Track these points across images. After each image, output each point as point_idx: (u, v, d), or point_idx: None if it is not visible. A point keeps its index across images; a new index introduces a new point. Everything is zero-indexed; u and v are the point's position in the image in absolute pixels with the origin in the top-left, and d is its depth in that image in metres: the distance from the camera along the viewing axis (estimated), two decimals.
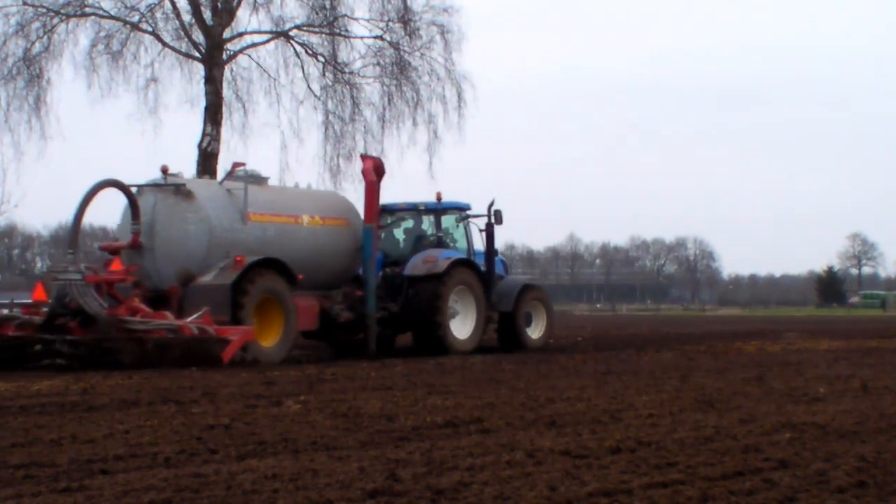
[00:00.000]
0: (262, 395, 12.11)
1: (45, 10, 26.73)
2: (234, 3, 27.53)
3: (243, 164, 19.79)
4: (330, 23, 28.23)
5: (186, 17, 27.49)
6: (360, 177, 21.06)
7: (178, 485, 6.70)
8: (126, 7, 27.33)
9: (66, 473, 7.13)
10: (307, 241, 19.78)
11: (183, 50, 27.95)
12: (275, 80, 28.49)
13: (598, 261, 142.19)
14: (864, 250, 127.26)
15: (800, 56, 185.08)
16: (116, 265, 17.87)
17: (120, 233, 19.04)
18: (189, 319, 16.69)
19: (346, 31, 28.46)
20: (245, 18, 28.13)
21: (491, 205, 21.96)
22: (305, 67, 28.44)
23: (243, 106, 28.66)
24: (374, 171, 20.67)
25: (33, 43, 26.69)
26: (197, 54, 27.66)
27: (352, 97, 28.51)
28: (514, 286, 22.93)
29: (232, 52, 28.04)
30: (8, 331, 16.98)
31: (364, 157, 21.49)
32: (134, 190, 18.43)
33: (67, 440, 8.57)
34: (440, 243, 22.10)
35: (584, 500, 6.40)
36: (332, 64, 28.29)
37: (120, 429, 9.21)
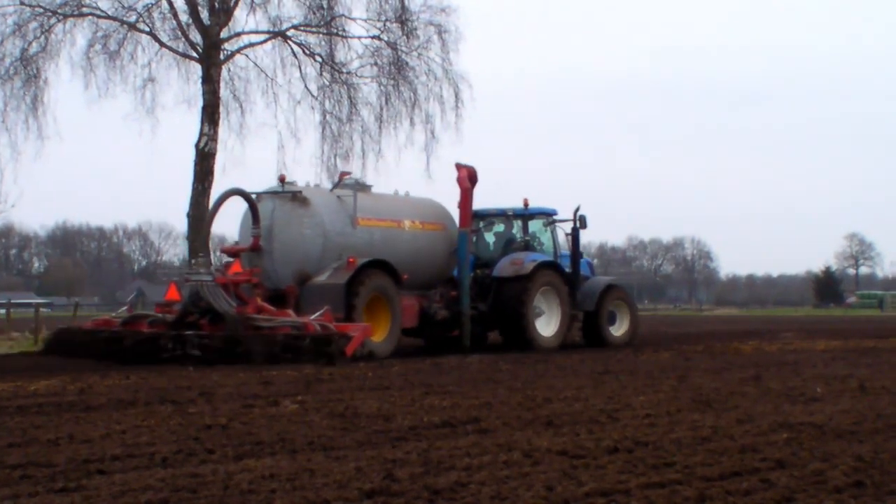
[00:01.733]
0: (259, 395, 12.12)
1: (42, 10, 26.67)
2: (232, 3, 27.47)
3: (349, 173, 21.36)
4: (327, 23, 28.21)
5: (183, 17, 27.47)
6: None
7: (176, 485, 6.71)
8: (123, 7, 27.30)
9: (63, 473, 7.14)
10: (409, 245, 21.09)
11: (180, 50, 27.91)
12: (272, 79, 28.50)
13: (595, 260, 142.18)
14: (861, 250, 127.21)
15: (800, 56, 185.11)
16: (237, 267, 18.98)
17: (241, 237, 20.40)
18: (312, 317, 17.62)
19: (344, 30, 28.45)
20: (242, 18, 28.14)
21: (576, 210, 23.04)
22: (303, 67, 28.45)
23: (240, 106, 28.65)
24: (469, 179, 21.78)
25: (30, 43, 26.64)
26: (194, 54, 27.62)
27: (349, 97, 28.49)
28: (597, 286, 23.93)
29: (229, 52, 28.01)
30: (142, 328, 18.42)
31: (459, 165, 22.19)
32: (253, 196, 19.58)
33: (65, 440, 8.57)
34: (528, 246, 23.35)
35: (581, 500, 6.40)
36: (330, 64, 28.27)
37: (117, 429, 9.21)
